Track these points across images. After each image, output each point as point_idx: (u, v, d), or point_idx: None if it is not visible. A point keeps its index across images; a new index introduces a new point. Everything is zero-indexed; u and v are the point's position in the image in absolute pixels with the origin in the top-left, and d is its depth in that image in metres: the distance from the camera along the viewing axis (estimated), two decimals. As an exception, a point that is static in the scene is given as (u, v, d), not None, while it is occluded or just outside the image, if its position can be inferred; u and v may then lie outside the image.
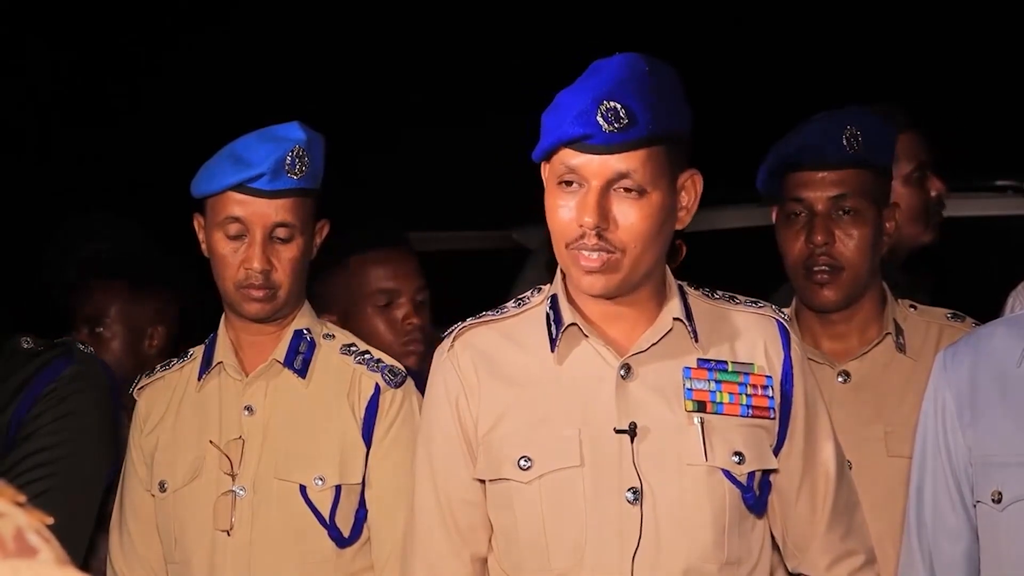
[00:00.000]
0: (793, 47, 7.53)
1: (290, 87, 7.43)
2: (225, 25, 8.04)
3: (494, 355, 2.33)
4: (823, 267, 2.74)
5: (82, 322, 3.43)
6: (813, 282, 2.76)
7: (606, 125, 2.17)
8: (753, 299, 2.38)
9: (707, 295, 2.36)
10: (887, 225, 2.81)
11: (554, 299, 2.33)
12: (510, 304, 2.39)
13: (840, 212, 2.74)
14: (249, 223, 2.62)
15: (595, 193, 2.18)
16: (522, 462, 2.26)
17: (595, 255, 2.19)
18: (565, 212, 2.21)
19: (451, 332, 2.39)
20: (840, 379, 2.77)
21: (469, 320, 2.39)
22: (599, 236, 2.18)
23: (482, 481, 2.32)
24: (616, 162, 2.18)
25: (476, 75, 7.64)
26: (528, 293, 2.40)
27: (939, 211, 3.42)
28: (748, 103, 7.04)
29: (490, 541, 2.35)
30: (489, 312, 2.40)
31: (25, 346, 2.54)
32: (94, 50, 7.87)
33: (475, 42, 7.76)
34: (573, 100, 2.20)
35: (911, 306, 2.85)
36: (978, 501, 2.30)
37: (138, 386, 2.80)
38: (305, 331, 2.72)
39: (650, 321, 2.29)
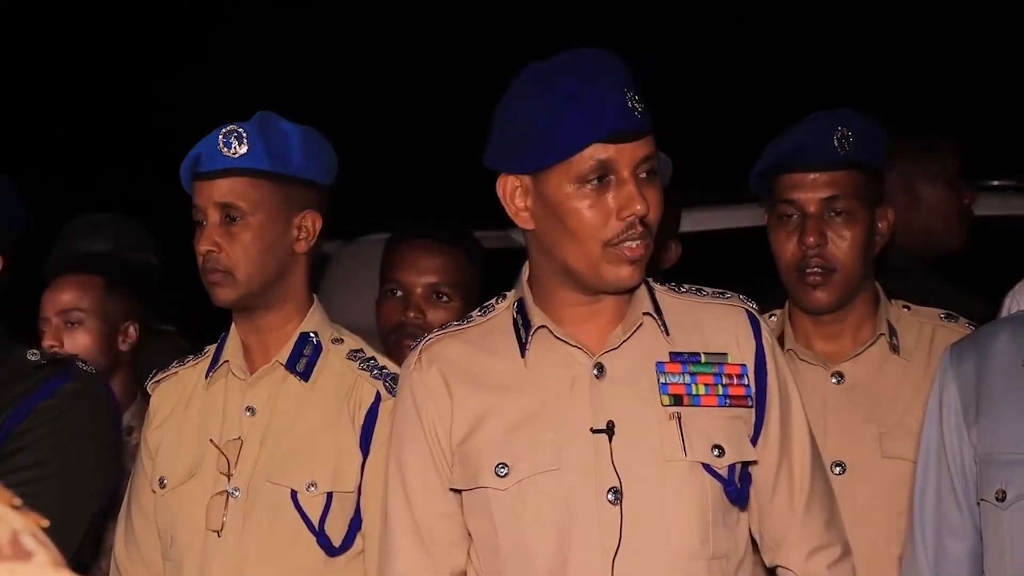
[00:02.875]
0: (792, 47, 7.53)
1: (291, 86, 7.44)
2: (228, 26, 8.04)
3: (463, 364, 2.31)
4: (815, 269, 2.73)
5: (55, 313, 3.42)
6: (806, 284, 2.74)
7: (636, 111, 2.19)
8: (720, 290, 2.37)
9: (673, 290, 2.35)
10: (880, 225, 2.80)
11: (520, 303, 2.31)
12: (475, 313, 2.38)
13: (832, 213, 2.73)
14: (202, 205, 2.63)
15: (632, 182, 2.18)
16: (499, 469, 2.23)
17: (637, 243, 2.19)
18: (597, 210, 2.19)
19: (417, 345, 2.37)
20: (834, 380, 2.76)
21: (435, 332, 2.38)
22: (642, 222, 2.19)
23: (458, 491, 2.29)
24: (643, 147, 2.20)
25: (476, 75, 7.64)
26: (493, 300, 2.38)
27: (969, 219, 3.50)
28: (748, 103, 7.04)
29: (469, 552, 2.32)
30: (454, 323, 2.39)
31: (31, 359, 2.50)
32: (97, 49, 7.88)
33: (476, 42, 7.76)
34: (599, 92, 2.18)
35: (904, 306, 2.83)
36: (982, 499, 2.30)
37: (153, 380, 2.80)
38: (312, 334, 2.70)
39: (619, 319, 2.28)
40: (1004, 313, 2.83)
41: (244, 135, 2.61)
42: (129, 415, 3.43)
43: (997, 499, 2.26)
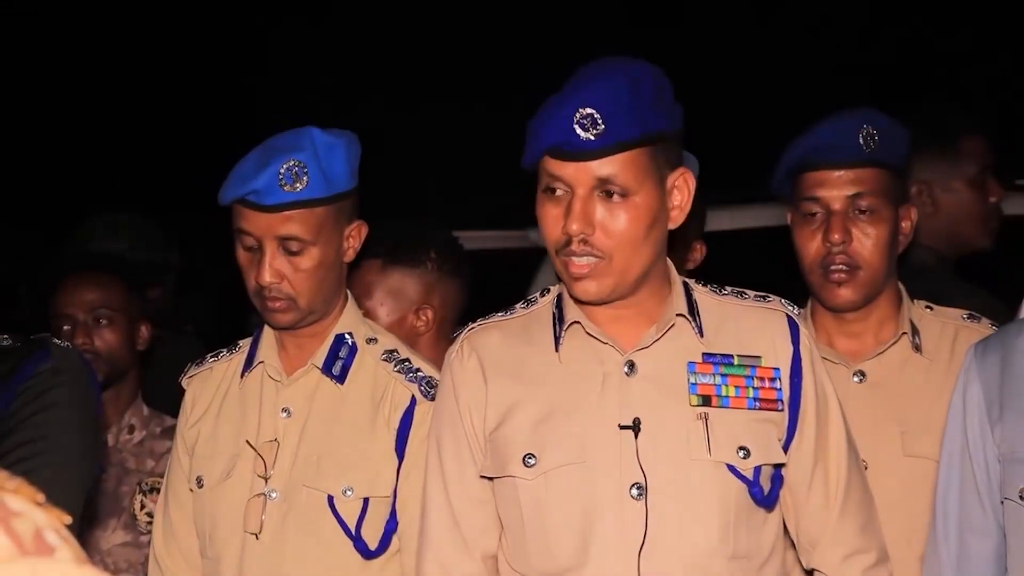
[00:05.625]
0: (806, 46, 7.52)
1: (306, 86, 7.45)
2: (230, 24, 8.06)
3: (501, 354, 2.37)
4: (840, 266, 2.72)
5: (84, 311, 3.41)
6: (830, 281, 2.74)
7: (582, 132, 2.19)
8: (762, 294, 2.40)
9: (715, 291, 2.39)
10: (903, 224, 2.80)
11: (559, 298, 2.37)
12: (519, 305, 2.43)
13: (857, 211, 2.72)
14: (258, 236, 2.60)
15: (580, 200, 2.22)
16: (527, 459, 2.29)
17: (582, 260, 2.23)
18: (551, 220, 2.25)
19: (460, 333, 2.43)
20: (856, 379, 2.76)
21: (479, 321, 2.43)
22: (584, 242, 2.22)
23: (489, 479, 2.34)
24: (597, 168, 2.21)
25: (495, 77, 7.66)
26: (537, 294, 2.44)
27: (996, 217, 3.47)
28: (762, 103, 7.04)
29: (501, 538, 2.37)
30: (499, 313, 2.44)
31: (4, 344, 2.50)
32: (110, 51, 7.91)
33: (495, 46, 7.77)
34: (553, 108, 2.22)
35: (927, 306, 2.83)
36: (1005, 498, 2.30)
37: (188, 375, 2.81)
38: (347, 335, 2.69)
39: (654, 318, 2.32)
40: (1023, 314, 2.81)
41: (305, 169, 2.57)
42: (130, 414, 3.44)
43: (1020, 498, 2.27)
